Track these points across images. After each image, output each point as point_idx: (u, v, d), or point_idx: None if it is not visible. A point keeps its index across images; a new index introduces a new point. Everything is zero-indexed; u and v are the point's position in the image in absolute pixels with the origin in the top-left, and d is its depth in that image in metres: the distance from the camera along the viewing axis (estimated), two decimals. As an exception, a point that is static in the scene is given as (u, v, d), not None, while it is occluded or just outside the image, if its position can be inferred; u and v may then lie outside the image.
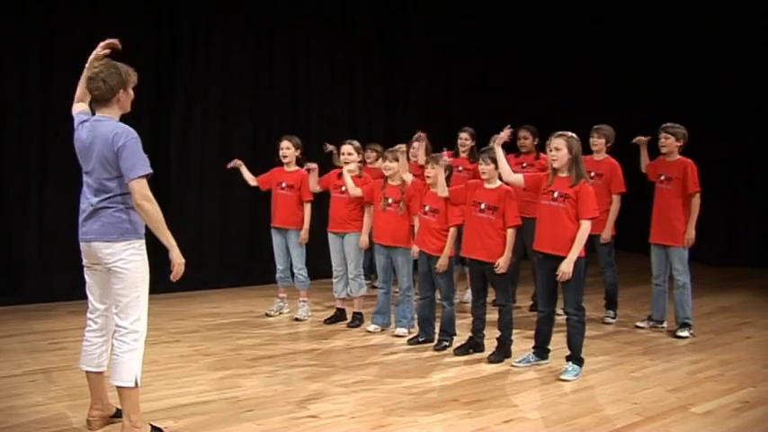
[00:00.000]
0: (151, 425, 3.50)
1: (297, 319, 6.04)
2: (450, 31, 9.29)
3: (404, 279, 5.49)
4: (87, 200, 3.36)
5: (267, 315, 6.18)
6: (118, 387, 3.32)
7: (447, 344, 5.16)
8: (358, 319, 5.82)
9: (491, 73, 9.60)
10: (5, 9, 6.29)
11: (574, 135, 4.53)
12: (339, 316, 5.96)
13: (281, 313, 6.21)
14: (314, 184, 5.91)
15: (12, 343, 5.14)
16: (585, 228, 4.40)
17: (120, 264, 3.29)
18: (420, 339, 5.29)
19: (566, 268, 4.36)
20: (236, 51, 7.65)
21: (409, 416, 3.80)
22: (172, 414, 3.76)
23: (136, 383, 3.30)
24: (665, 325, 5.79)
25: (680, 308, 5.61)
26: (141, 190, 3.20)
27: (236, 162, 6.02)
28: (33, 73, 6.48)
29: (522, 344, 5.14)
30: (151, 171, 3.25)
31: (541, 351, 4.79)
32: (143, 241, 3.37)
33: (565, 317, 4.64)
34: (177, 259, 3.32)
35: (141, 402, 3.73)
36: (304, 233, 5.92)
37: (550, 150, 4.51)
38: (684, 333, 5.56)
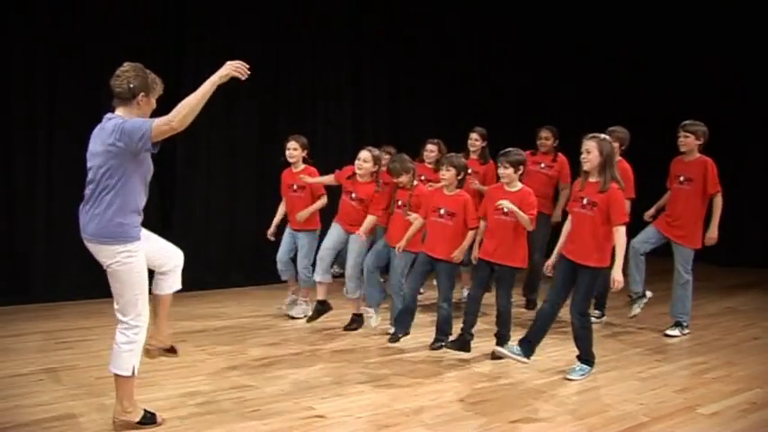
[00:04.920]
0: (145, 410, 3.56)
1: (291, 317, 6.05)
2: (458, 32, 9.29)
3: (397, 278, 5.47)
4: (86, 197, 3.40)
5: (280, 309, 6.16)
6: (115, 374, 3.45)
7: (443, 344, 5.16)
8: (356, 322, 5.74)
9: (499, 74, 9.60)
10: (12, 5, 6.31)
11: (606, 137, 4.46)
12: (359, 322, 5.81)
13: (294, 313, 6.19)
14: (329, 179, 5.77)
15: (18, 342, 5.15)
16: (621, 234, 4.33)
17: (114, 265, 3.35)
18: (399, 336, 5.31)
19: (618, 277, 4.30)
20: (242, 52, 7.62)
21: (416, 416, 3.80)
22: (178, 413, 3.76)
23: (133, 373, 3.44)
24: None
25: (679, 303, 5.59)
26: (161, 127, 3.19)
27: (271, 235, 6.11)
28: (40, 73, 6.49)
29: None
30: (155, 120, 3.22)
31: (527, 344, 4.53)
32: (138, 243, 3.38)
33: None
34: (227, 68, 3.34)
35: (149, 401, 3.76)
36: (305, 212, 5.80)
37: (581, 153, 4.42)
38: (675, 332, 5.56)
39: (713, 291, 7.47)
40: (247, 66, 3.38)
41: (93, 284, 5.83)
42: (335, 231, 5.70)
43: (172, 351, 3.88)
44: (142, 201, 3.45)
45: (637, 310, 5.73)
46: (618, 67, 10.06)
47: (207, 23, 7.43)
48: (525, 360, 4.56)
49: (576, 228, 4.48)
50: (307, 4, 8.07)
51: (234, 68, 3.36)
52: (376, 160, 5.54)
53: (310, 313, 5.94)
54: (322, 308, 5.75)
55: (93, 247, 3.40)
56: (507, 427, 3.67)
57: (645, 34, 9.86)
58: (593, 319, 5.94)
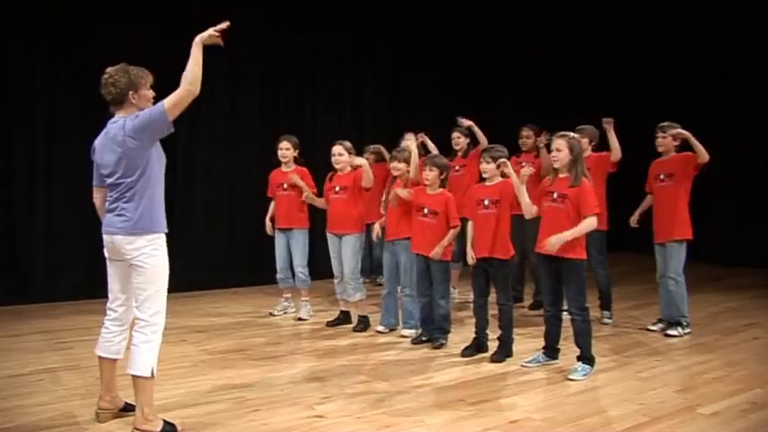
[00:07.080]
0: (164, 420, 3.50)
1: (300, 319, 6.04)
2: (457, 31, 9.30)
3: (408, 278, 5.45)
4: (109, 194, 3.41)
5: (271, 315, 6.19)
6: (133, 377, 3.36)
7: (443, 341, 5.19)
8: (363, 323, 5.74)
9: (497, 72, 9.61)
10: (13, 9, 6.31)
11: (575, 135, 4.58)
12: (343, 319, 5.88)
13: (285, 313, 6.23)
14: (321, 204, 5.84)
15: (18, 342, 5.16)
16: (591, 222, 4.38)
17: (141, 258, 3.35)
18: (423, 339, 5.28)
19: (554, 241, 4.32)
20: (242, 52, 7.66)
21: (415, 416, 3.80)
22: (178, 414, 3.75)
23: (152, 374, 3.36)
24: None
25: (675, 305, 5.59)
26: (174, 100, 3.27)
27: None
28: (40, 73, 6.51)
29: (525, 343, 5.16)
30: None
31: (551, 351, 4.78)
32: (164, 236, 3.42)
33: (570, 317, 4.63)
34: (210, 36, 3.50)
35: (148, 402, 3.75)
36: (305, 194, 5.84)
37: (551, 151, 4.54)
38: (675, 332, 5.54)
39: (713, 290, 7.46)
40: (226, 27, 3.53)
41: (93, 284, 5.84)
42: (332, 245, 5.72)
43: (126, 409, 3.61)
44: (163, 190, 3.48)
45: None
46: (618, 68, 10.07)
47: (207, 22, 7.42)
48: (556, 361, 4.76)
49: (549, 223, 4.52)
50: (307, 4, 8.07)
51: (213, 36, 3.52)
52: (349, 150, 5.66)
53: (312, 314, 5.98)
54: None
55: (118, 241, 3.36)
56: (507, 428, 3.67)
57: (645, 34, 9.86)
58: (605, 321, 5.96)
